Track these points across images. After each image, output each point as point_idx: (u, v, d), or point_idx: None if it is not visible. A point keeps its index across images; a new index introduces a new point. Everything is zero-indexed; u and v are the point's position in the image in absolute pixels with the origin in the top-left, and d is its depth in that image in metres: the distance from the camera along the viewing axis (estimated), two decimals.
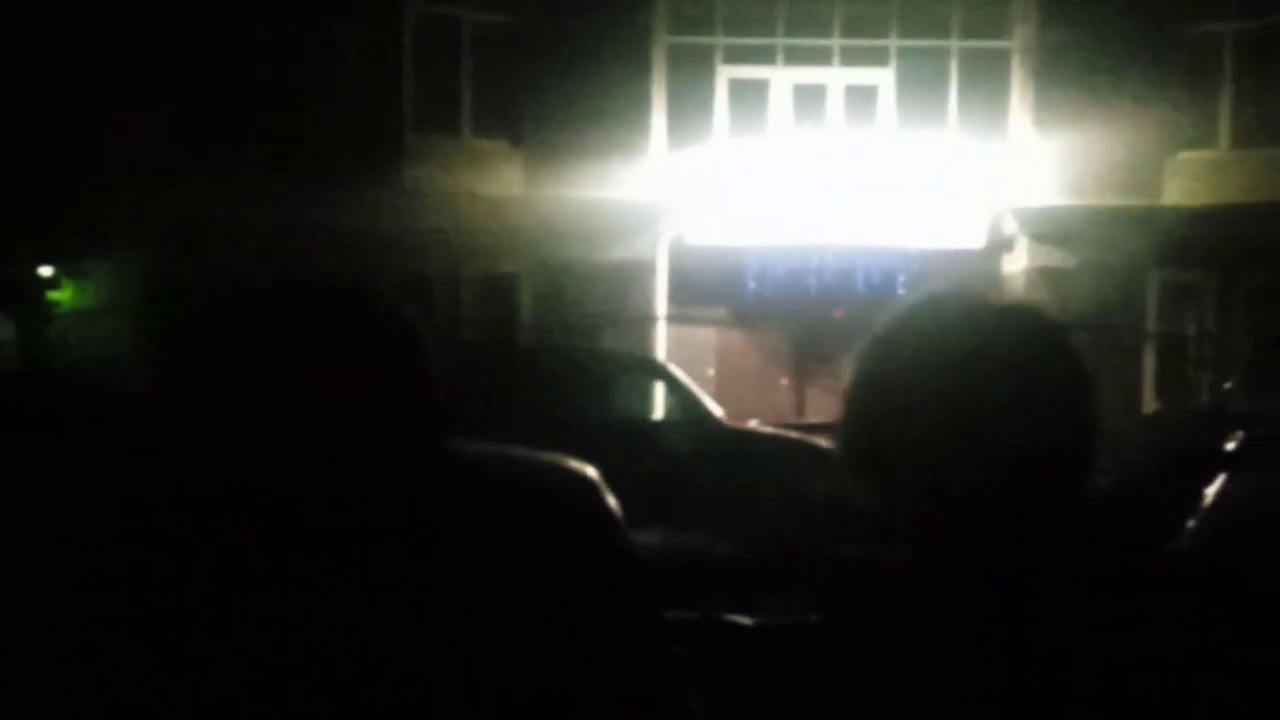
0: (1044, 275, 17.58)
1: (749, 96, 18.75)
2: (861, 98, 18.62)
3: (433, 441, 1.78)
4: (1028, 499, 1.50)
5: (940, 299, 1.60)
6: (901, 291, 16.70)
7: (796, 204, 17.88)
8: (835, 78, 18.68)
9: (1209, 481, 5.29)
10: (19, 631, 1.55)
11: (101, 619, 1.55)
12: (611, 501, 3.16)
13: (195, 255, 15.34)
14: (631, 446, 11.10)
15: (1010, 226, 18.01)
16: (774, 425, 14.08)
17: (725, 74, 18.78)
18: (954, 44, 18.47)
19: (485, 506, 1.81)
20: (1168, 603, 1.46)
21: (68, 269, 17.11)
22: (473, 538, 1.78)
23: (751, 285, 18.77)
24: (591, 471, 3.23)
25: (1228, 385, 16.94)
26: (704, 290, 18.59)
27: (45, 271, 17.04)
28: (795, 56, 18.65)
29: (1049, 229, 17.66)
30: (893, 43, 18.55)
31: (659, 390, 15.05)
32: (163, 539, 1.59)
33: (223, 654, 1.58)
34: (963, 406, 1.49)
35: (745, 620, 2.76)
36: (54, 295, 17.11)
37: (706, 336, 18.99)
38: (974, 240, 17.84)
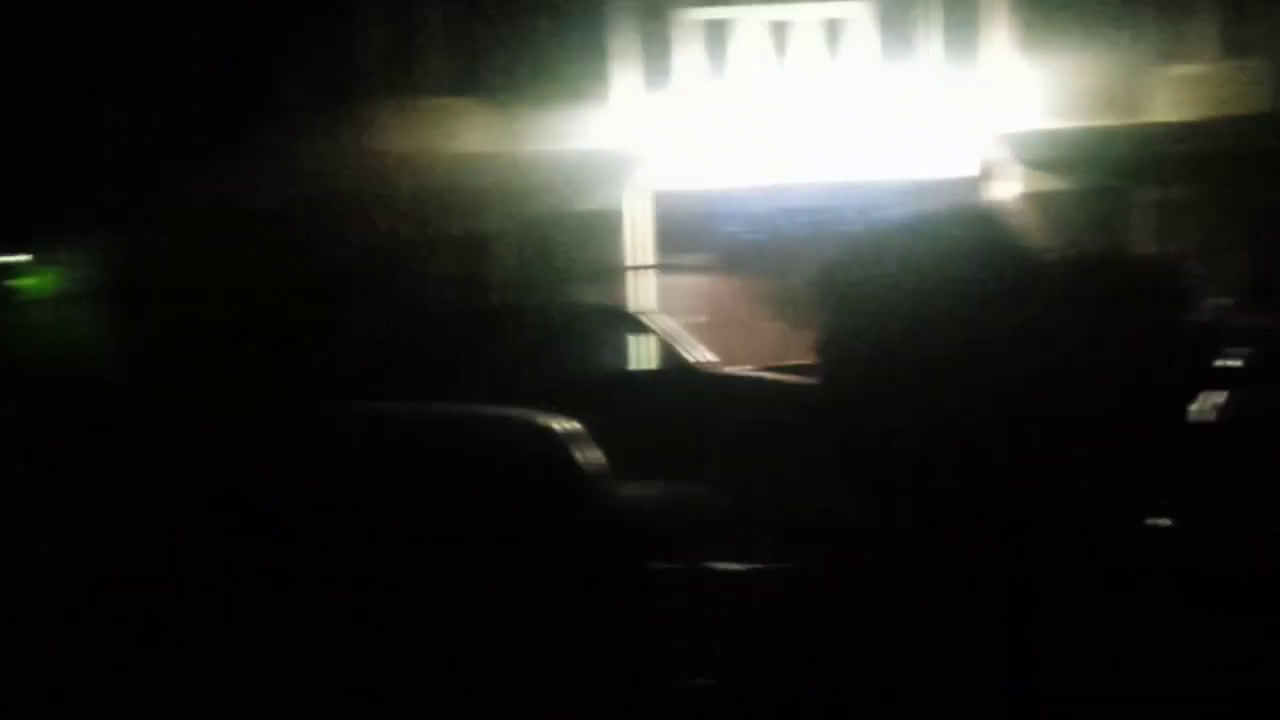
0: (1036, 200, 17.37)
1: (721, 37, 18.45)
2: (836, 31, 18.33)
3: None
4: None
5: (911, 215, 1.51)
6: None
7: (777, 143, 17.65)
8: (807, 13, 18.38)
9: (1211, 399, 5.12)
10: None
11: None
12: (580, 453, 3.02)
13: (183, 233, 15.28)
14: (609, 398, 11.01)
15: (1000, 152, 17.77)
16: (769, 368, 13.94)
17: (695, 15, 18.45)
18: None
19: (432, 465, 1.71)
20: None
21: (41, 256, 16.92)
22: (419, 497, 1.68)
23: (735, 228, 18.53)
24: (557, 424, 3.10)
25: (1225, 302, 16.74)
26: (688, 237, 18.38)
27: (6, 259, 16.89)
28: None
29: (1039, 153, 17.42)
30: None
31: (638, 340, 14.91)
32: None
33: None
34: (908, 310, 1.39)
35: (734, 568, 2.61)
36: (22, 282, 16.93)
37: (696, 283, 18.81)
38: (966, 169, 17.58)
